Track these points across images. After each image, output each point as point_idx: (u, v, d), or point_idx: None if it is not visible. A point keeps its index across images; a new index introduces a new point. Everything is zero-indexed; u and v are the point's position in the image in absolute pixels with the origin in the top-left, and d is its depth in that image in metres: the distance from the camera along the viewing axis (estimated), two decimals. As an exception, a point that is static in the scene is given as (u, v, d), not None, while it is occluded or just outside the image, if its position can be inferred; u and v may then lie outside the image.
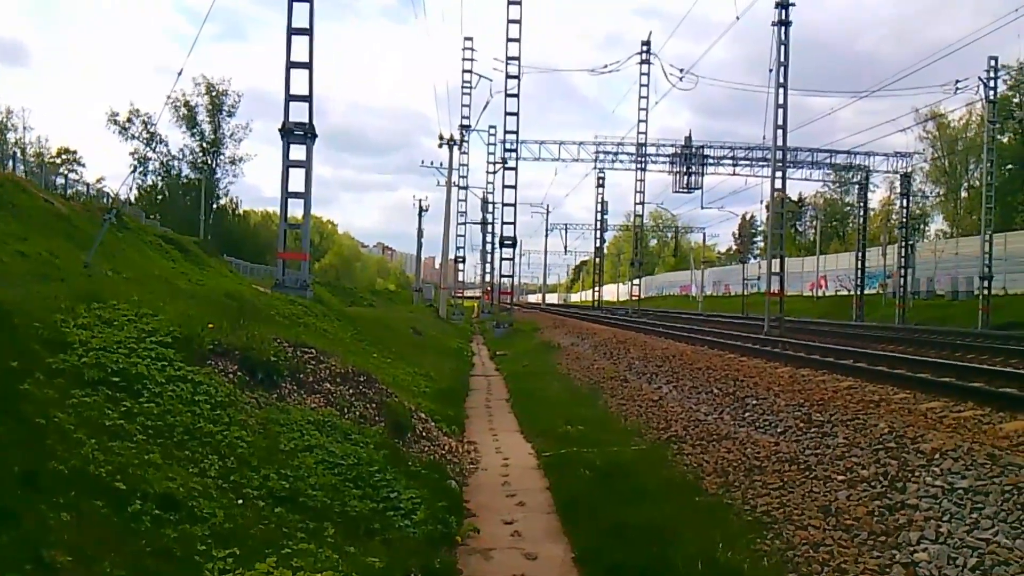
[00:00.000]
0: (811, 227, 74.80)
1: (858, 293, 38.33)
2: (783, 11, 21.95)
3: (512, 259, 35.46)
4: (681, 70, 34.02)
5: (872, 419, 7.20)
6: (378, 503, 5.38)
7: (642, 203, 44.96)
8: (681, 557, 4.82)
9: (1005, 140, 48.97)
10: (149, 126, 58.68)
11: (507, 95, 32.06)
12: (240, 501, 4.50)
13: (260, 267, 54.69)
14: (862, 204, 42.19)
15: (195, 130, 62.45)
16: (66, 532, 3.25)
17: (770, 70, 22.10)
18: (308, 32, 16.20)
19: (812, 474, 6.39)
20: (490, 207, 47.65)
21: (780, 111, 22.24)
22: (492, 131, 45.70)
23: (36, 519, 3.22)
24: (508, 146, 33.23)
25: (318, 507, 4.87)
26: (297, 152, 16.56)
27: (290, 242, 17.70)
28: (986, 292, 29.57)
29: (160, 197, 63.11)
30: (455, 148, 37.62)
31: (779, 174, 23.46)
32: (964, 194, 57.95)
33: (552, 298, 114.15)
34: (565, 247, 76.38)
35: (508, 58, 31.69)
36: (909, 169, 38.74)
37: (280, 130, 16.36)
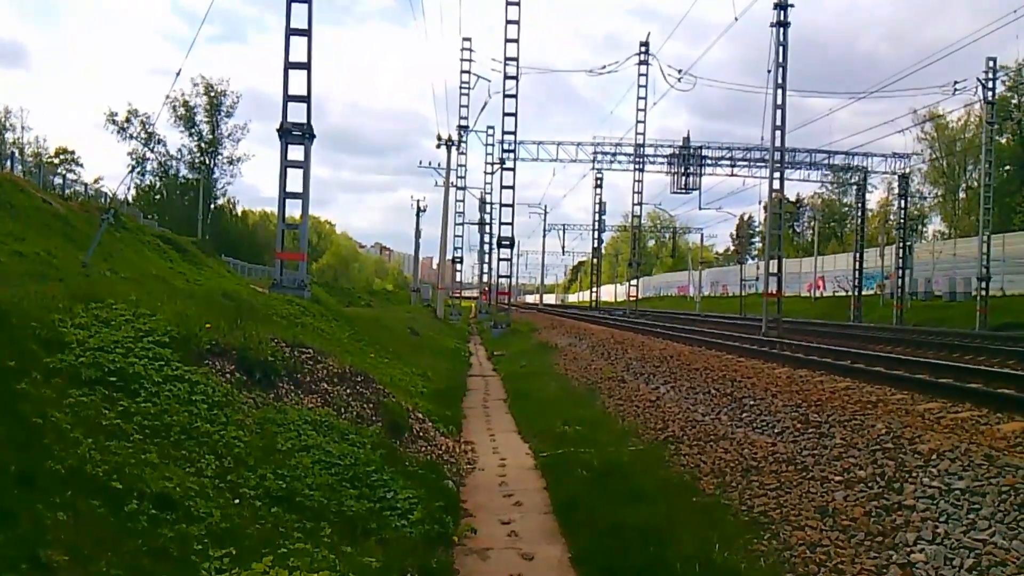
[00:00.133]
0: (809, 228, 74.89)
1: (856, 294, 38.37)
2: (782, 12, 21.98)
3: (510, 259, 35.46)
4: (679, 71, 34.11)
5: (869, 420, 7.21)
6: (375, 503, 5.38)
7: (640, 203, 45.06)
8: (678, 557, 4.83)
9: (1003, 141, 49.11)
10: (147, 126, 58.69)
11: (505, 96, 32.06)
12: (237, 501, 4.50)
13: (258, 267, 54.66)
14: (860, 205, 42.29)
15: (193, 130, 62.50)
16: (63, 532, 3.25)
17: (768, 71, 22.16)
18: (307, 33, 16.20)
19: (809, 475, 6.39)
20: (488, 207, 47.67)
21: (778, 112, 22.28)
22: (490, 132, 45.76)
23: (33, 519, 3.22)
24: (506, 147, 33.23)
25: (315, 507, 4.87)
26: (295, 152, 16.56)
27: (288, 242, 17.67)
28: (984, 293, 29.62)
29: (158, 197, 63.11)
30: (453, 149, 37.64)
31: (777, 175, 23.47)
32: (962, 195, 58.09)
33: (550, 298, 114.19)
34: (563, 247, 76.45)
35: (506, 59, 31.70)
36: (907, 170, 38.79)
37: (278, 130, 16.35)
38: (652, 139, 41.77)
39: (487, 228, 48.12)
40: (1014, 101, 50.21)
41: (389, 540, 4.84)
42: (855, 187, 42.25)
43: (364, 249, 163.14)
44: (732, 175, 37.37)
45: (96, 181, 58.97)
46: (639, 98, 41.13)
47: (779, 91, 22.15)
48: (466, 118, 42.45)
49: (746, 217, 72.62)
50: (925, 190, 61.33)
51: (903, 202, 38.78)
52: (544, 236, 72.41)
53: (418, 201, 54.13)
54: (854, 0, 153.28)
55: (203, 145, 63.08)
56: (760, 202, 39.95)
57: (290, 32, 16.16)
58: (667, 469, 7.35)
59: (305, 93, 16.34)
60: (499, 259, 35.20)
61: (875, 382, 9.68)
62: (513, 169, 33.08)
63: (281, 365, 7.24)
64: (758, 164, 35.76)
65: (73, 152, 69.33)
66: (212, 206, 63.49)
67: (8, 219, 19.87)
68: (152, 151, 61.62)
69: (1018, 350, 14.57)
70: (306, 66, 16.24)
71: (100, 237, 19.85)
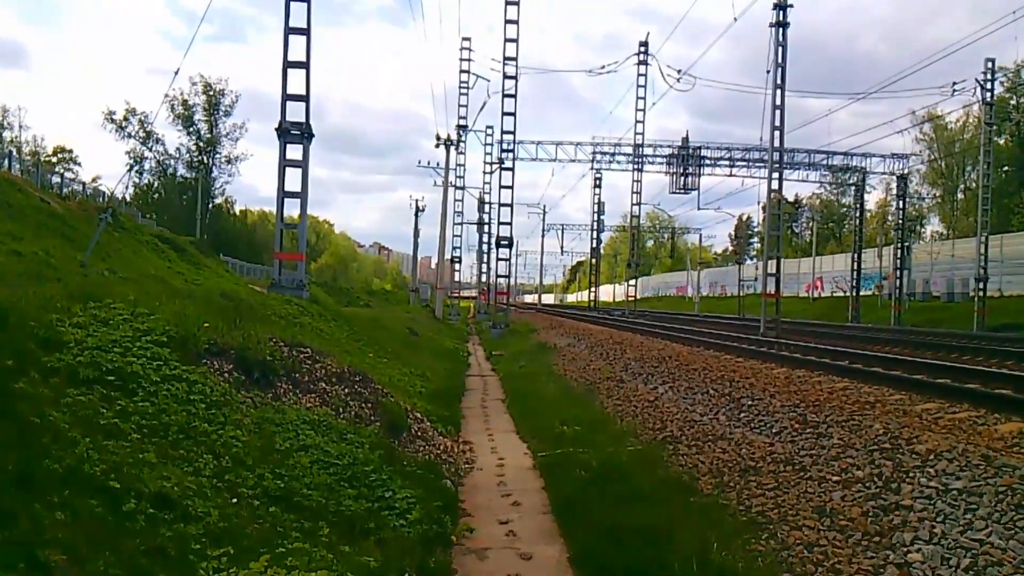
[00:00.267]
0: (807, 228, 74.95)
1: (854, 295, 38.40)
2: (781, 12, 21.99)
3: (508, 259, 35.47)
4: (679, 71, 34.13)
5: (867, 420, 7.22)
6: (373, 503, 5.38)
7: (639, 204, 45.07)
8: (676, 558, 4.83)
9: (1002, 142, 49.18)
10: (145, 125, 58.62)
11: (504, 95, 32.08)
12: (235, 500, 4.50)
13: (256, 267, 54.61)
14: (858, 206, 42.30)
15: (191, 129, 62.42)
16: (60, 531, 3.24)
17: (767, 71, 22.15)
18: (305, 32, 16.20)
19: (807, 475, 6.40)
20: (487, 207, 47.69)
21: (777, 112, 22.29)
22: (489, 131, 45.75)
23: (31, 518, 3.21)
24: (505, 146, 33.23)
25: (313, 507, 4.87)
26: (294, 152, 16.56)
27: (286, 242, 17.64)
28: (982, 294, 29.66)
29: (156, 196, 63.05)
30: (452, 148, 37.60)
31: (776, 175, 23.47)
32: (960, 196, 58.16)
33: (548, 298, 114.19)
34: (561, 248, 76.43)
35: (505, 58, 31.72)
36: (906, 171, 38.83)
37: (277, 129, 16.35)
38: (651, 139, 41.88)
39: (486, 228, 48.13)
40: (1013, 102, 50.28)
41: (387, 540, 4.85)
42: (854, 188, 42.23)
43: (363, 249, 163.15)
44: (731, 175, 37.43)
45: (94, 180, 59.08)
46: (638, 98, 41.19)
47: (778, 91, 22.17)
48: (465, 118, 42.49)
49: (745, 217, 72.73)
50: (923, 191, 61.48)
51: (901, 203, 38.83)
52: (543, 236, 72.47)
53: (417, 201, 54.25)
54: (853, 1, 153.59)
55: (201, 144, 63.02)
56: (759, 202, 40.04)
57: (289, 31, 16.16)
58: (665, 469, 7.35)
59: (304, 92, 16.34)
60: (498, 259, 35.27)
61: (873, 382, 9.69)
62: (512, 169, 33.10)
63: (279, 365, 7.24)
64: (757, 164, 35.79)
65: (71, 151, 69.47)
66: (210, 205, 63.42)
67: (6, 219, 19.84)
68: (150, 150, 61.64)
69: (1016, 351, 14.59)
70: (305, 65, 16.25)
71: (98, 237, 19.81)
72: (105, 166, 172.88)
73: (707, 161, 36.89)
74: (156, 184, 63.98)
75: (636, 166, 39.95)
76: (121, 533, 3.55)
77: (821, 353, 13.86)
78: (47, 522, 3.26)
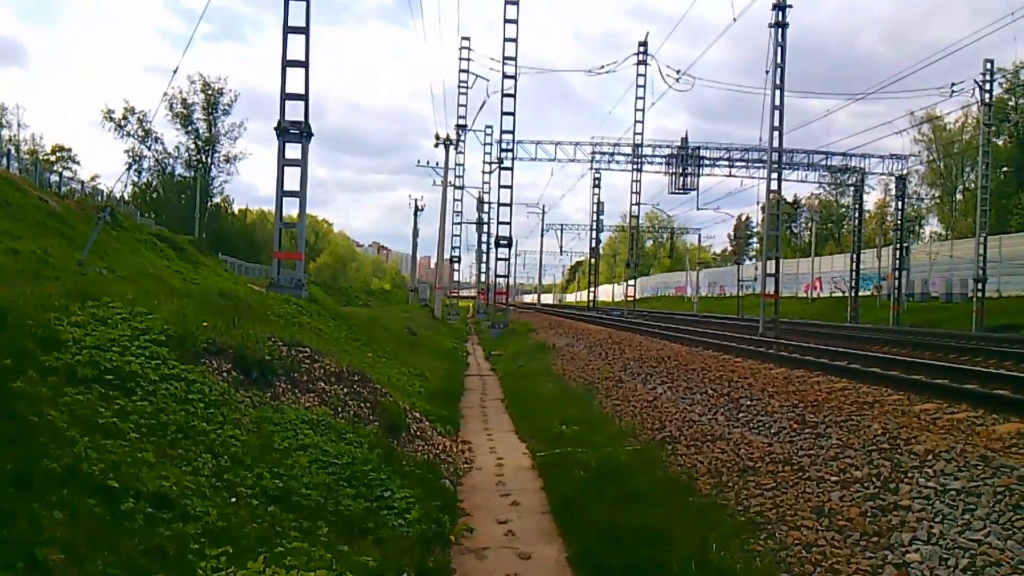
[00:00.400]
0: (806, 229, 75.01)
1: (853, 295, 38.43)
2: (780, 13, 22.00)
3: (508, 259, 35.51)
4: (678, 71, 34.15)
5: (866, 420, 7.22)
6: (372, 502, 5.38)
7: (638, 204, 45.12)
8: (675, 558, 4.83)
9: (1000, 143, 49.24)
10: (144, 123, 58.55)
11: (503, 95, 32.10)
12: (233, 500, 4.49)
13: (255, 266, 54.61)
14: (857, 206, 42.28)
15: (190, 128, 62.39)
16: (59, 530, 3.24)
17: (766, 72, 22.15)
18: (304, 31, 16.19)
19: (805, 475, 6.40)
20: (486, 207, 47.69)
21: (776, 113, 22.29)
22: (488, 131, 45.75)
23: (29, 517, 3.21)
24: (504, 146, 33.24)
25: (312, 506, 4.86)
26: (293, 151, 16.54)
27: (285, 241, 17.63)
28: (980, 294, 29.68)
29: (155, 195, 63.00)
30: (451, 148, 37.59)
31: (775, 176, 23.47)
32: (959, 196, 58.19)
33: (547, 298, 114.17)
34: (560, 247, 76.47)
35: (505, 58, 31.74)
36: (904, 171, 38.90)
37: (276, 128, 16.33)
38: (650, 139, 41.93)
39: (485, 228, 48.15)
40: (1011, 103, 50.35)
41: (386, 539, 4.84)
42: (852, 188, 42.21)
43: (362, 248, 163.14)
44: (730, 176, 37.46)
45: (93, 179, 58.90)
46: (637, 98, 41.25)
47: (777, 92, 22.18)
48: (464, 117, 42.51)
49: (744, 218, 72.78)
50: (922, 191, 61.55)
51: (900, 203, 38.89)
52: (542, 236, 72.43)
53: (416, 200, 54.16)
54: (853, 1, 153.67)
55: (200, 143, 63.01)
56: (758, 203, 40.07)
57: (288, 30, 16.16)
58: (664, 469, 7.36)
59: (303, 91, 16.33)
60: (497, 259, 35.31)
61: (871, 383, 9.70)
62: (511, 169, 33.12)
63: (278, 364, 7.24)
64: (756, 165, 35.80)
65: (70, 150, 69.43)
66: (209, 204, 63.39)
67: (4, 217, 19.82)
68: (149, 149, 61.61)
69: (1014, 351, 14.60)
70: (304, 64, 16.24)
71: (96, 235, 19.80)
72: (104, 165, 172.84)
73: (706, 161, 36.91)
74: (155, 183, 63.94)
75: (635, 166, 39.96)
76: (120, 532, 3.54)
77: (820, 353, 13.86)
78: (45, 521, 3.25)
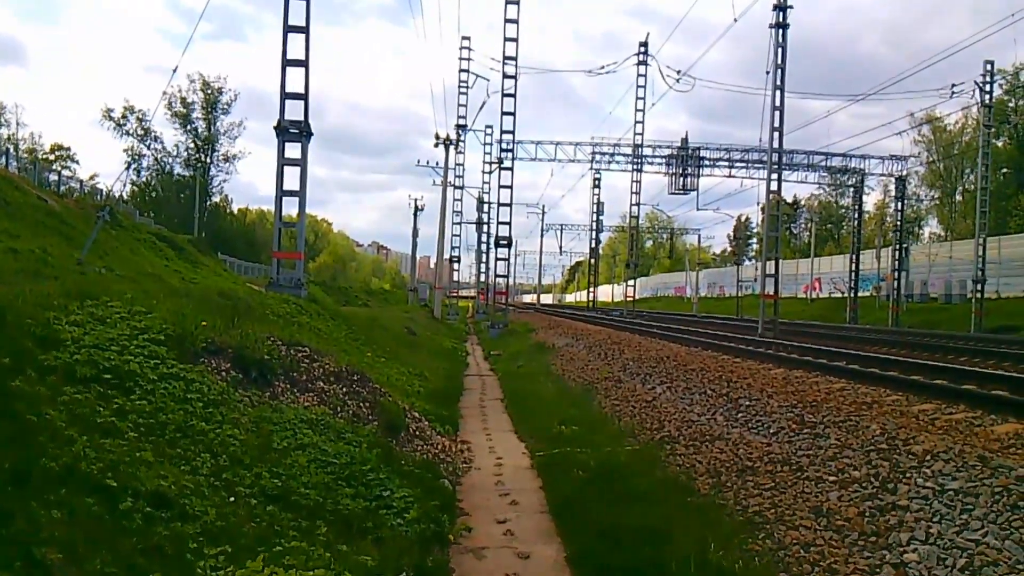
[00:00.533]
0: (806, 230, 75.01)
1: (852, 296, 38.46)
2: (781, 14, 22.01)
3: (507, 259, 35.49)
4: (678, 72, 34.15)
5: (864, 421, 7.22)
6: (371, 502, 5.38)
7: (638, 204, 45.11)
8: (673, 557, 4.84)
9: (1000, 144, 49.27)
10: (144, 122, 58.53)
11: (504, 95, 32.09)
12: (232, 499, 4.49)
13: (255, 265, 54.61)
14: (857, 207, 42.30)
15: (189, 127, 62.37)
16: (57, 530, 3.24)
17: (767, 72, 22.16)
18: (304, 30, 16.18)
19: (804, 475, 6.41)
20: (486, 207, 47.69)
21: (776, 113, 22.31)
22: (488, 131, 45.74)
23: (27, 517, 3.21)
24: (504, 146, 33.24)
25: (310, 506, 4.87)
26: (292, 150, 16.52)
27: (285, 241, 17.60)
28: (979, 295, 29.70)
29: (154, 195, 62.98)
30: (451, 148, 37.59)
31: (775, 176, 23.48)
32: (959, 198, 58.23)
33: (547, 299, 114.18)
34: (560, 248, 76.49)
35: (505, 58, 31.74)
36: (904, 173, 38.93)
37: (275, 128, 16.32)
38: (650, 140, 41.94)
39: (485, 228, 48.15)
40: (1011, 104, 50.39)
41: (385, 539, 4.84)
42: (852, 189, 42.21)
43: (361, 248, 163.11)
44: (730, 176, 37.45)
45: (92, 178, 58.86)
46: (638, 98, 41.24)
47: (777, 92, 22.19)
48: (464, 117, 42.49)
49: (743, 218, 72.81)
50: (922, 193, 61.58)
51: (900, 204, 38.92)
52: (542, 236, 72.41)
53: (416, 200, 54.17)
54: (853, 2, 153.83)
55: (199, 142, 62.99)
56: (758, 203, 40.10)
57: (288, 29, 16.15)
58: (663, 469, 7.36)
59: (303, 91, 16.32)
60: (496, 259, 35.30)
61: (870, 383, 9.70)
62: (511, 169, 33.11)
63: (277, 364, 7.24)
64: (756, 165, 35.81)
65: (69, 149, 69.29)
66: (208, 204, 63.37)
67: (3, 216, 19.82)
68: (148, 148, 61.59)
69: (1013, 352, 14.62)
70: (304, 63, 16.23)
71: (96, 235, 19.80)
72: (103, 164, 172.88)
73: (706, 162, 36.92)
74: (154, 182, 63.94)
75: (635, 166, 39.96)
76: (118, 532, 3.54)
77: (819, 354, 13.87)
78: (44, 520, 3.25)
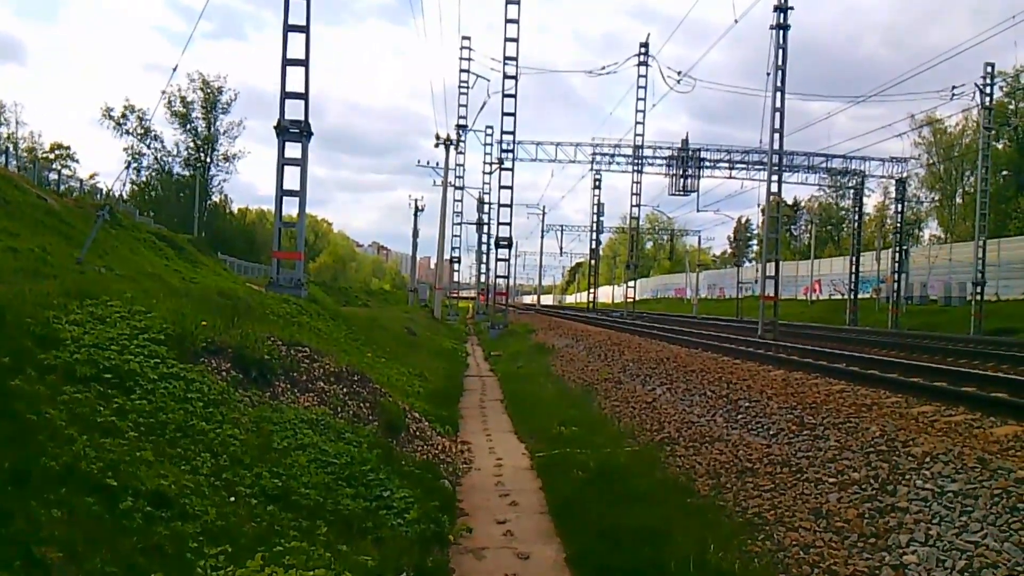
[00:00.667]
0: (806, 231, 75.04)
1: (852, 298, 38.45)
2: (781, 15, 22.01)
3: (508, 260, 35.49)
4: (679, 73, 34.23)
5: (864, 422, 7.23)
6: (371, 502, 5.38)
7: (638, 205, 45.15)
8: (673, 558, 4.84)
9: (1000, 147, 49.28)
10: (144, 121, 58.51)
11: (504, 95, 32.09)
12: (232, 499, 4.49)
13: (254, 265, 54.58)
14: (857, 209, 42.30)
15: (189, 127, 62.33)
16: (57, 529, 3.24)
17: (767, 74, 22.14)
18: (304, 29, 16.18)
19: (803, 476, 6.41)
20: (486, 207, 47.68)
21: (777, 115, 22.30)
22: (489, 131, 45.76)
23: (27, 516, 3.21)
24: (505, 146, 33.24)
25: (311, 505, 4.87)
26: (293, 150, 16.52)
27: (285, 241, 17.59)
28: (979, 298, 29.70)
29: (154, 194, 62.93)
30: (451, 148, 37.60)
31: (775, 178, 23.48)
32: (959, 200, 58.24)
33: (547, 299, 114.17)
34: (560, 249, 76.44)
35: (505, 58, 31.74)
36: (904, 175, 38.92)
37: (275, 127, 16.32)
38: (651, 141, 42.02)
39: (485, 228, 48.14)
40: (1011, 107, 50.41)
41: (385, 539, 4.85)
42: (852, 191, 42.21)
43: (361, 249, 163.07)
44: (730, 178, 37.44)
45: (91, 177, 58.87)
46: (638, 99, 41.30)
47: (778, 94, 22.18)
48: (465, 117, 42.50)
49: (744, 220, 72.85)
50: (922, 195, 61.53)
51: (900, 206, 38.90)
52: (542, 237, 72.45)
53: (416, 201, 54.17)
54: (854, 4, 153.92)
55: (199, 142, 62.96)
56: (758, 205, 40.13)
57: (288, 28, 16.14)
58: (663, 470, 7.36)
59: (303, 90, 16.32)
60: (497, 259, 35.28)
61: (870, 385, 9.70)
62: (512, 169, 33.10)
63: (277, 364, 7.24)
64: (756, 167, 35.80)
65: (68, 148, 69.19)
66: (208, 203, 63.34)
67: (2, 215, 19.80)
68: (148, 147, 61.55)
69: (1012, 355, 14.61)
70: (304, 63, 16.23)
71: (95, 234, 19.78)
72: (102, 163, 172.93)
73: (706, 163, 36.91)
74: (153, 181, 63.88)
75: (636, 167, 39.97)
76: (118, 531, 3.54)
77: (818, 356, 13.87)
78: (44, 520, 3.25)
